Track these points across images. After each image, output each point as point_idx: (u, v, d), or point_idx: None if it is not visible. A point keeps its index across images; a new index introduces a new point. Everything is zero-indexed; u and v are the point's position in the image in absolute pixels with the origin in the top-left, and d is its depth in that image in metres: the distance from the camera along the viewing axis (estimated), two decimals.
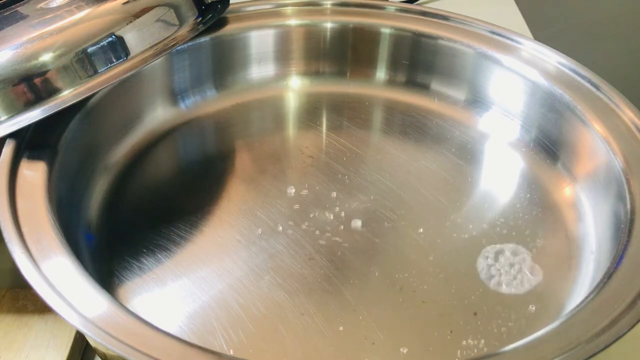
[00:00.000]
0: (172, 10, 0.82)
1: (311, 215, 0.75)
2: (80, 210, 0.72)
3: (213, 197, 0.79)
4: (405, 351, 0.60)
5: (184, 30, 0.83)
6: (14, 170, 0.65)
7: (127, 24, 0.76)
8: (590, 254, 0.69)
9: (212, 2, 0.89)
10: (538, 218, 0.75)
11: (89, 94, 0.71)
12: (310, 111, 0.83)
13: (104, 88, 0.73)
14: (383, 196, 0.78)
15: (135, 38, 0.76)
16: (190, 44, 0.85)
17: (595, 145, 0.74)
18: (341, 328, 0.62)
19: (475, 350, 0.61)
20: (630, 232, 0.63)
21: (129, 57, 0.75)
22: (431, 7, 0.94)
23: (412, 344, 0.61)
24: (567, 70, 0.82)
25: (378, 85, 0.86)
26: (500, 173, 0.83)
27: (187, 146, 0.86)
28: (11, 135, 0.67)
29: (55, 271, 0.55)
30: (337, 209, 0.76)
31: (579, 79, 0.80)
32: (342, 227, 0.73)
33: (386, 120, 0.92)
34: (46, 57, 0.68)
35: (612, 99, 0.76)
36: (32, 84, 0.67)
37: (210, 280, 0.68)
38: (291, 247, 0.71)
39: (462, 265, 0.69)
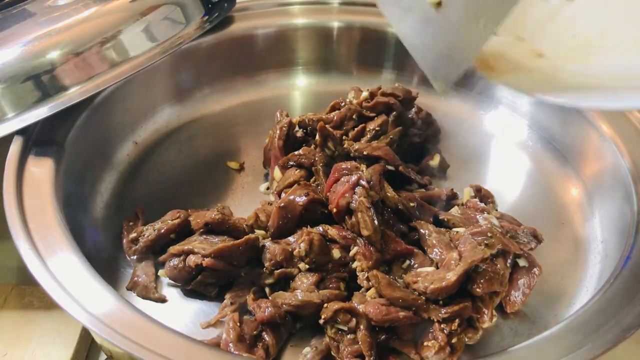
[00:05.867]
0: (178, 9, 0.82)
1: None
2: (86, 207, 0.72)
3: (219, 194, 0.79)
4: None
5: (191, 29, 0.83)
6: (21, 167, 0.65)
7: (134, 22, 0.76)
8: (596, 254, 0.69)
9: (218, 0, 0.89)
10: (545, 218, 0.74)
11: (95, 92, 0.71)
12: (317, 110, 0.83)
13: (110, 86, 0.73)
14: None
15: (142, 36, 0.76)
16: (196, 42, 0.85)
17: (602, 146, 0.74)
18: None
19: None
20: (637, 233, 0.63)
21: (135, 55, 0.75)
22: None
23: None
24: None
25: (384, 84, 0.85)
26: (507, 173, 0.82)
27: (193, 144, 0.86)
28: (18, 133, 0.67)
29: (61, 267, 0.55)
30: None
31: None
32: None
33: None
34: (53, 55, 0.69)
35: None
36: (39, 81, 0.68)
37: None
38: None
39: None
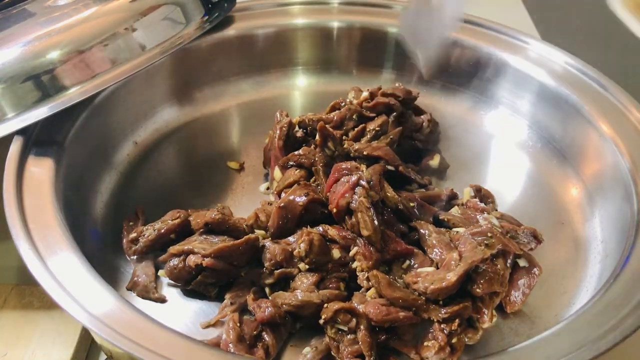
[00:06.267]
0: (178, 9, 0.82)
1: None
2: (86, 207, 0.72)
3: (219, 194, 0.79)
4: None
5: (191, 29, 0.83)
6: (21, 168, 0.65)
7: (134, 22, 0.76)
8: (596, 254, 0.69)
9: (218, 0, 0.89)
10: (545, 218, 0.74)
11: (95, 92, 0.71)
12: (317, 110, 0.83)
13: (110, 86, 0.73)
14: None
15: (141, 36, 0.76)
16: (196, 42, 0.85)
17: (602, 146, 0.74)
18: None
19: None
20: (637, 233, 0.63)
21: (135, 55, 0.75)
22: None
23: None
24: (574, 71, 0.82)
25: (384, 84, 0.86)
26: (507, 173, 0.82)
27: (193, 144, 0.86)
28: (18, 133, 0.67)
29: (61, 267, 0.55)
30: None
31: (586, 79, 0.80)
32: None
33: None
34: (53, 55, 0.69)
35: (619, 100, 0.76)
36: (39, 81, 0.68)
37: None
38: None
39: None
